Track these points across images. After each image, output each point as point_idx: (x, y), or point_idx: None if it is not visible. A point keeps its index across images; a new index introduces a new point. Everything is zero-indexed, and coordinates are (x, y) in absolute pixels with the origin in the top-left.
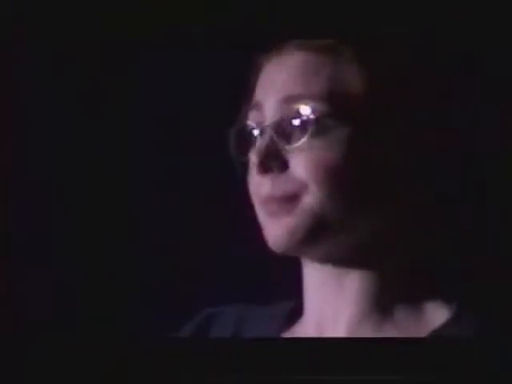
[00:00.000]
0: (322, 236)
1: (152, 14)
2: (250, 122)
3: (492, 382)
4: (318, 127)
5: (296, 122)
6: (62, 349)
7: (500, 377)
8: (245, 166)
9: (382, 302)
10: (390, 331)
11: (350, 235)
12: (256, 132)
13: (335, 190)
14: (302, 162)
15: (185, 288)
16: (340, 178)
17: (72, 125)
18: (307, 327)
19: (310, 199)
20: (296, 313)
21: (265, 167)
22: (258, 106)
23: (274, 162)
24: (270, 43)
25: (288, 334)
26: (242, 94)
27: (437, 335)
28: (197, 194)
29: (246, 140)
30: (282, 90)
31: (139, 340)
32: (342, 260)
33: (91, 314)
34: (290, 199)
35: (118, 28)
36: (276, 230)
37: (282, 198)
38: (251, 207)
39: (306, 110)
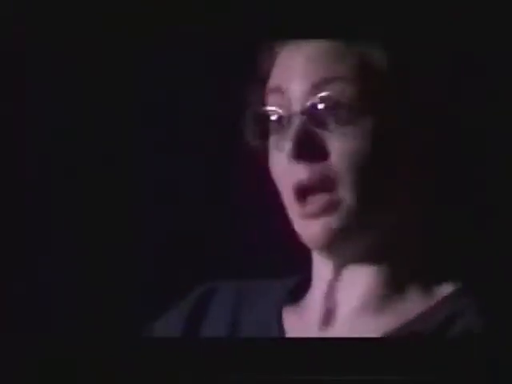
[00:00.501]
0: (357, 235)
1: (152, 14)
2: (272, 107)
3: (492, 382)
4: (349, 112)
5: (328, 107)
6: (61, 349)
7: (500, 377)
8: (257, 153)
9: (395, 281)
10: (401, 307)
11: (376, 232)
12: (277, 116)
13: (369, 177)
14: (337, 150)
15: (185, 287)
16: (372, 168)
17: (72, 125)
18: (314, 306)
19: (351, 196)
20: (300, 288)
21: (300, 154)
22: (280, 91)
23: (309, 148)
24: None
25: (290, 310)
26: (251, 79)
27: (443, 305)
28: (197, 193)
29: (265, 124)
30: (308, 74)
31: (139, 340)
32: (359, 255)
33: (91, 314)
34: (327, 188)
35: (118, 28)
36: (314, 229)
37: (318, 185)
38: (251, 202)
39: (336, 93)
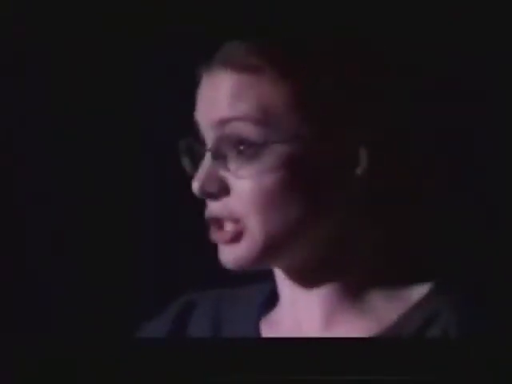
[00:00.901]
0: (272, 257)
1: (152, 14)
2: (193, 140)
3: (492, 382)
4: (250, 151)
5: (230, 145)
6: (61, 349)
7: (500, 377)
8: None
9: (352, 289)
10: (369, 316)
11: (303, 249)
12: (200, 152)
13: (278, 213)
14: (240, 187)
15: (184, 287)
16: (282, 202)
17: (72, 124)
18: (283, 317)
19: (255, 226)
20: (275, 295)
21: (204, 192)
22: (197, 124)
23: (214, 187)
24: (206, 52)
25: (266, 321)
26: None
27: (416, 309)
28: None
29: (195, 155)
30: (214, 111)
31: (138, 340)
32: (306, 262)
33: (91, 314)
34: (233, 221)
35: (118, 28)
36: (226, 256)
37: (223, 220)
38: None
39: (237, 133)
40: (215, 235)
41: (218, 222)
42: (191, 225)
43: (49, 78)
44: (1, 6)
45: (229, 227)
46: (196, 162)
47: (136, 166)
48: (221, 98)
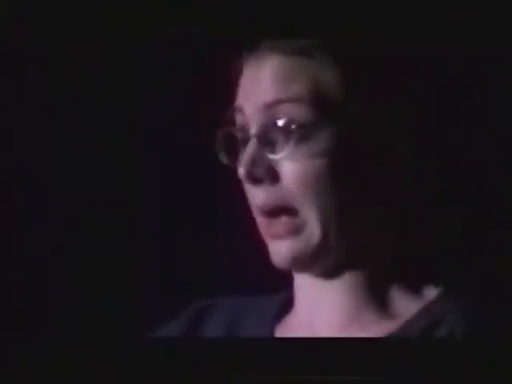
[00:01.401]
0: (324, 256)
1: (152, 14)
2: (234, 127)
3: (492, 382)
4: (301, 133)
5: (278, 129)
6: (61, 349)
7: (500, 377)
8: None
9: (375, 297)
10: (385, 322)
11: (345, 250)
12: (240, 137)
13: (332, 199)
14: (290, 172)
15: (184, 287)
16: (335, 187)
17: (72, 124)
18: (299, 324)
19: (313, 216)
20: (289, 304)
21: (253, 178)
22: (241, 110)
23: (262, 172)
24: (249, 40)
25: (280, 329)
26: (224, 96)
27: (423, 313)
28: (196, 193)
29: (234, 144)
30: (261, 95)
31: (139, 340)
32: (334, 269)
33: (90, 314)
34: (287, 210)
35: (118, 28)
36: (280, 250)
37: (278, 208)
38: (248, 207)
39: (286, 115)
40: (271, 228)
41: (273, 214)
42: (194, 225)
43: (49, 78)
44: (1, 6)
45: (285, 220)
46: (235, 150)
47: (136, 166)
48: (271, 81)
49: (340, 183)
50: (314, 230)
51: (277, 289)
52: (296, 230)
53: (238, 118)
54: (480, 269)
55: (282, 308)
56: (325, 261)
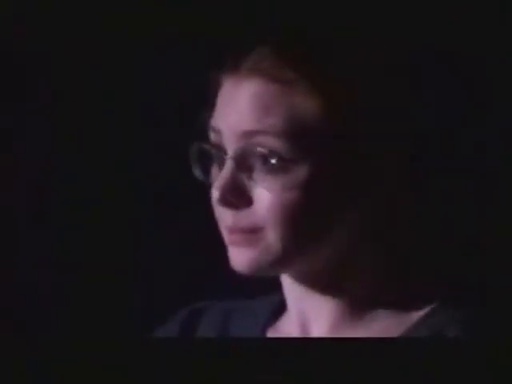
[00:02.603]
0: (285, 265)
1: (152, 14)
2: (210, 146)
3: (491, 382)
4: (278, 165)
5: (257, 157)
6: (60, 349)
7: (499, 377)
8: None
9: (358, 302)
10: (373, 329)
11: (318, 256)
12: (215, 156)
13: (297, 227)
14: (263, 199)
15: (184, 287)
16: (303, 217)
17: (72, 124)
18: (291, 327)
19: (272, 236)
20: (282, 306)
21: (225, 201)
22: (217, 131)
23: (236, 197)
24: (231, 56)
25: (273, 331)
26: (202, 109)
27: (419, 325)
28: (196, 193)
29: (208, 160)
30: (238, 121)
31: (139, 340)
32: (314, 271)
33: (90, 314)
34: (252, 231)
35: (118, 28)
36: (237, 259)
37: (243, 230)
38: None
39: (265, 146)
40: (231, 237)
41: (236, 230)
42: (190, 224)
43: (49, 78)
44: (1, 6)
45: (246, 235)
46: (208, 168)
47: (136, 165)
48: (247, 109)
49: (313, 212)
50: (272, 243)
51: (270, 291)
52: (253, 242)
53: (213, 136)
54: (477, 280)
55: (274, 309)
56: (291, 269)
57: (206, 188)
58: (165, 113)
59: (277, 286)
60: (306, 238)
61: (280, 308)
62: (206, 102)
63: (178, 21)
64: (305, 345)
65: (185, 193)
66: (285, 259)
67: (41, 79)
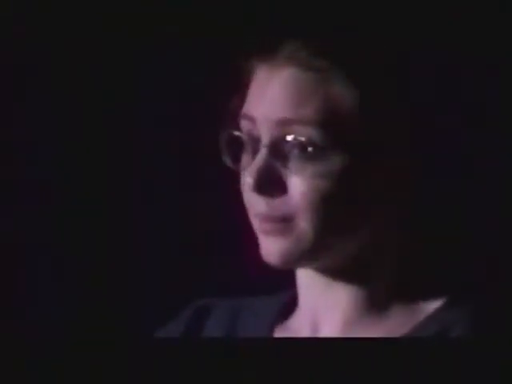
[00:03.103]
0: (314, 257)
1: (152, 14)
2: (241, 133)
3: (491, 382)
4: (314, 153)
5: (291, 145)
6: (61, 349)
7: (499, 377)
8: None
9: (375, 299)
10: (385, 325)
11: (343, 251)
12: (247, 143)
13: (330, 216)
14: (299, 187)
15: (184, 286)
16: (337, 206)
17: (72, 124)
18: (301, 324)
19: (305, 225)
20: (291, 305)
21: (260, 189)
22: (250, 118)
23: (270, 184)
24: (266, 44)
25: (281, 329)
26: (230, 97)
27: (430, 321)
28: (196, 193)
29: (238, 147)
30: (273, 110)
31: (139, 340)
32: (335, 267)
33: (90, 314)
34: (285, 220)
35: (118, 28)
36: (270, 248)
37: (276, 218)
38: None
39: (300, 135)
40: (263, 226)
41: (269, 218)
42: (191, 223)
43: (49, 78)
44: (1, 6)
45: (278, 224)
46: (239, 155)
47: (136, 165)
48: (283, 97)
49: (344, 202)
50: (305, 233)
51: (277, 289)
52: (286, 231)
53: (245, 124)
54: (487, 278)
55: (283, 307)
56: (317, 262)
57: (206, 188)
58: (165, 113)
59: (277, 287)
60: (336, 228)
61: (288, 306)
62: (234, 89)
63: (178, 21)
64: (314, 344)
65: (185, 192)
66: (315, 250)
67: (41, 79)
